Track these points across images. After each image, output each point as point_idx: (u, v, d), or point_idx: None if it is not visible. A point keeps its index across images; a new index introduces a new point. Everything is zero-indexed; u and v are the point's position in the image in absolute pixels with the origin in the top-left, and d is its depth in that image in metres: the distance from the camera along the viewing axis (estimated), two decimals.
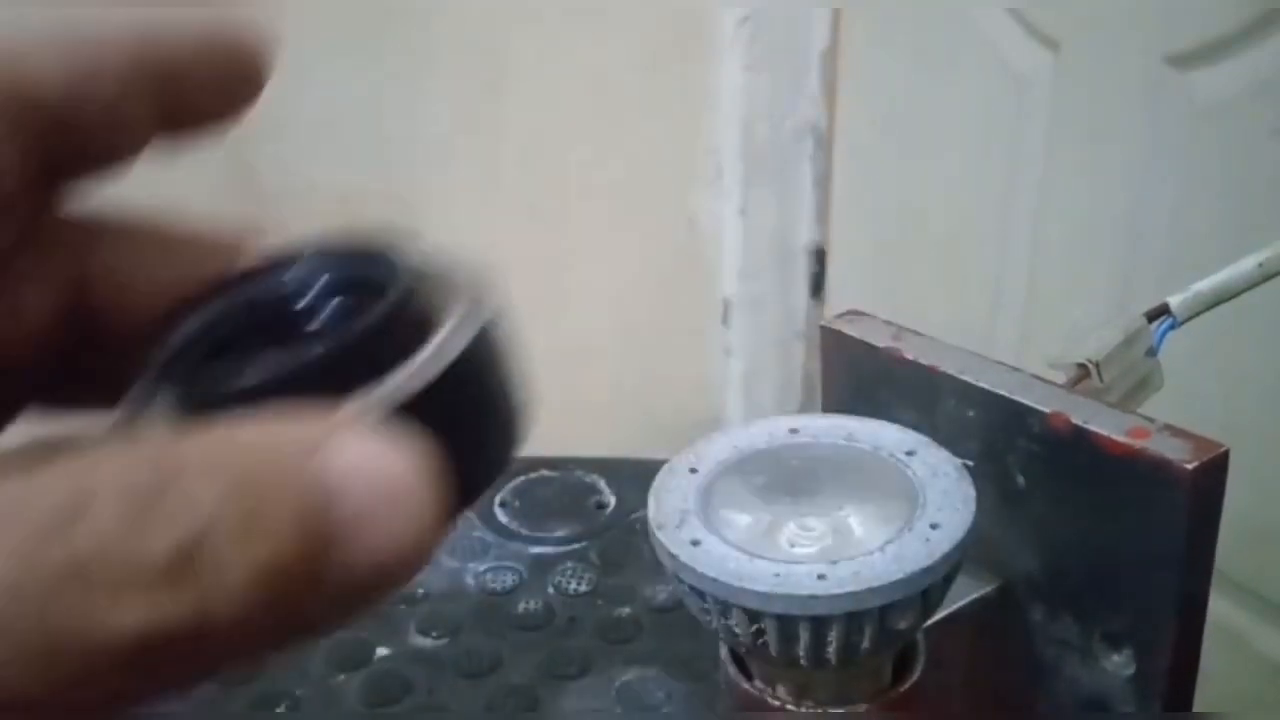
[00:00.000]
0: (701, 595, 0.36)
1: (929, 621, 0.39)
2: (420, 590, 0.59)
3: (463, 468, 0.20)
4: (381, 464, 0.18)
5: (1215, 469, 0.38)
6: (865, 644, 0.36)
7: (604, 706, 0.52)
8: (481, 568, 0.61)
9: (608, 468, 0.66)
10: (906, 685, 0.39)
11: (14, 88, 0.19)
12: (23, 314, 0.22)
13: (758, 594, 0.35)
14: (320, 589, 0.17)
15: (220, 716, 0.55)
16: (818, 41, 1.29)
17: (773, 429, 0.42)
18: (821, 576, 0.35)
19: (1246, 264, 0.48)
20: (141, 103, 0.21)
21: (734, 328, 1.41)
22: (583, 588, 0.59)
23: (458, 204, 1.30)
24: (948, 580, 0.37)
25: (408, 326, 0.21)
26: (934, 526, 0.36)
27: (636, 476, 0.63)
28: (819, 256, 1.39)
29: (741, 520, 0.38)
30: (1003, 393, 0.42)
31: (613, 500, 0.65)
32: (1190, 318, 0.48)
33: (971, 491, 0.38)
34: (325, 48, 1.18)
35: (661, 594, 0.56)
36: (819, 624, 0.36)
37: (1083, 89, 0.96)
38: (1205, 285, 0.48)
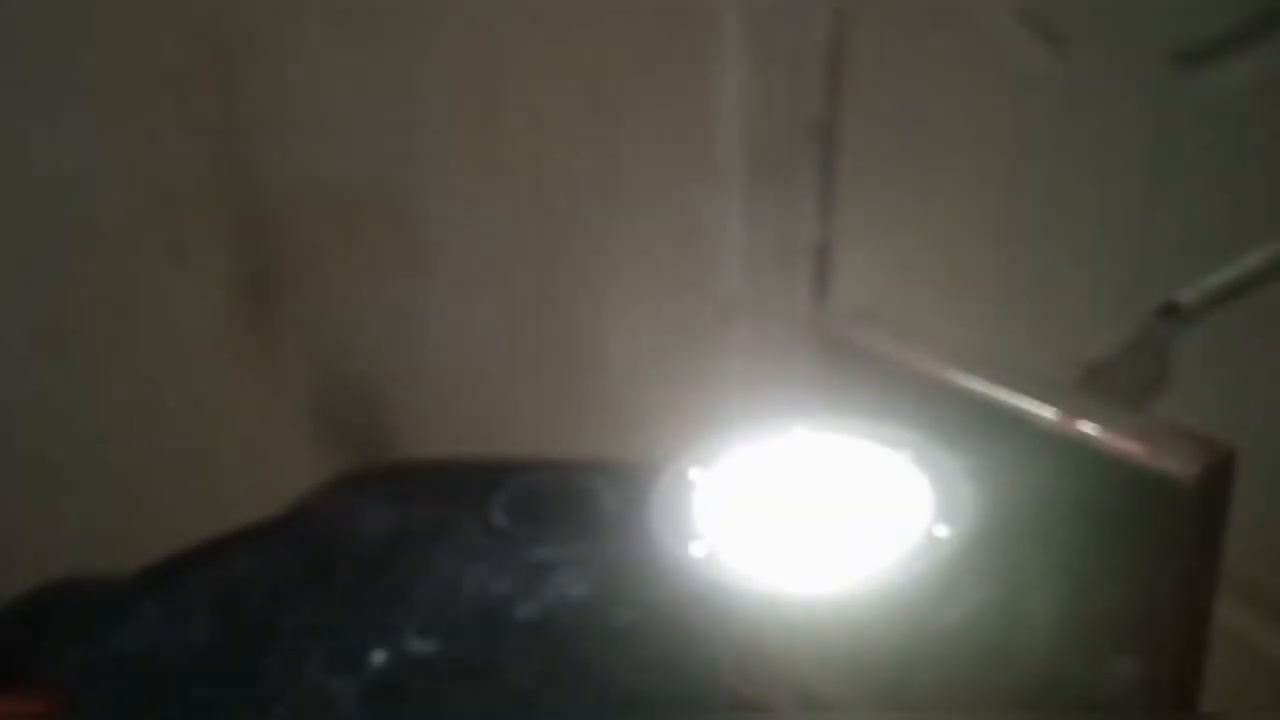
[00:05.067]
0: (702, 599, 0.36)
1: (933, 623, 0.39)
2: (416, 594, 0.59)
3: None
4: None
5: (1220, 472, 0.38)
6: (869, 646, 0.36)
7: (603, 711, 0.52)
8: (479, 571, 0.61)
9: (608, 470, 0.66)
10: (911, 688, 0.39)
11: None
12: None
13: (759, 597, 0.35)
14: None
15: None
16: (820, 39, 1.29)
17: (775, 431, 0.42)
18: (823, 578, 0.35)
19: (1256, 260, 0.48)
20: None
21: (735, 327, 1.41)
22: (582, 591, 0.59)
23: (458, 203, 1.30)
24: (951, 582, 0.37)
25: None
26: (937, 527, 0.36)
27: (637, 478, 0.63)
28: (822, 255, 1.39)
29: (742, 523, 0.38)
30: (1007, 394, 0.42)
31: (613, 503, 0.65)
32: (1199, 315, 0.48)
33: (976, 493, 0.38)
34: (325, 46, 1.17)
35: (662, 598, 0.56)
36: (822, 627, 0.36)
37: (1088, 86, 0.95)
38: (1214, 282, 0.48)
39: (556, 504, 0.64)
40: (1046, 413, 0.41)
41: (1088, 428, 0.40)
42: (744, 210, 1.35)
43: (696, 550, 0.36)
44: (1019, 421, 0.42)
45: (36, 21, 1.07)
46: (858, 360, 0.47)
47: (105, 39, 1.10)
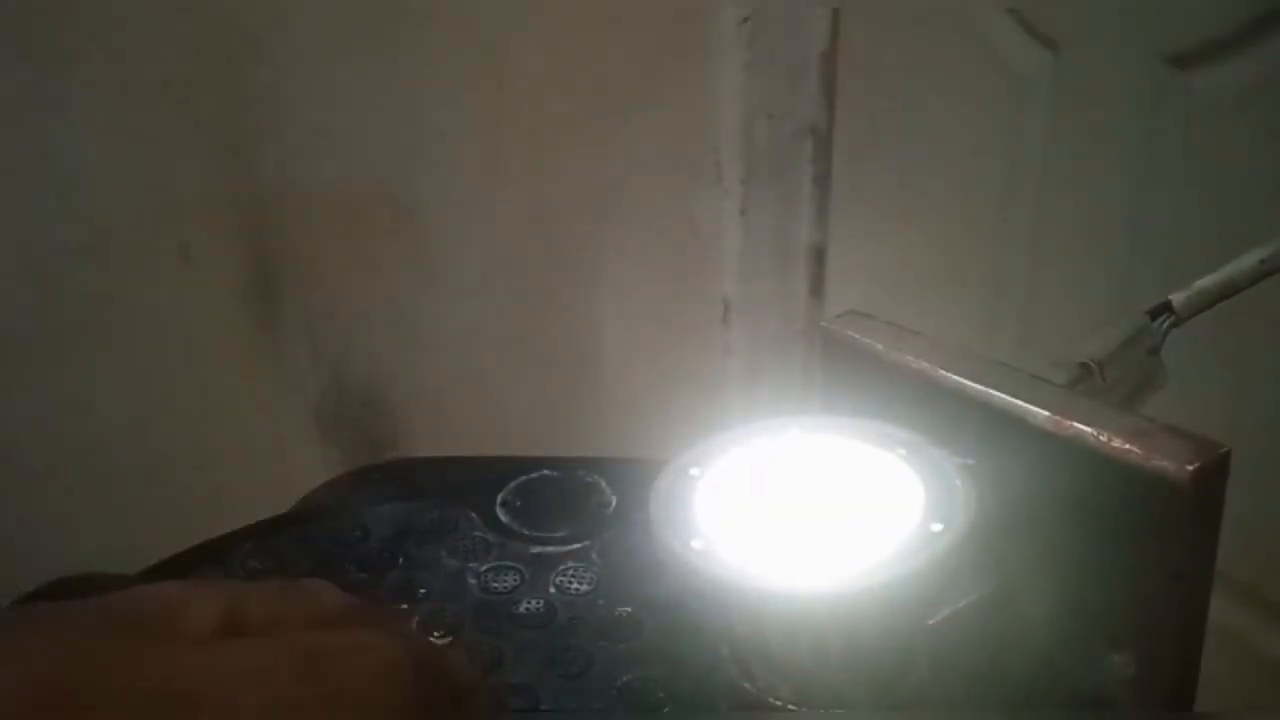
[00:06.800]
0: (703, 595, 0.36)
1: (931, 621, 0.39)
2: (421, 590, 0.59)
3: None
4: None
5: (1215, 470, 0.38)
6: (866, 644, 0.36)
7: (605, 706, 0.52)
8: (483, 567, 0.61)
9: (609, 468, 0.66)
10: (908, 685, 0.39)
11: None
12: None
13: (759, 594, 0.35)
14: None
15: None
16: (817, 42, 1.29)
17: (773, 430, 0.42)
18: (822, 576, 0.35)
19: (1249, 260, 0.48)
20: None
21: (734, 327, 1.41)
22: (584, 587, 0.59)
23: (458, 204, 1.30)
24: (949, 580, 0.36)
25: None
26: (935, 526, 0.36)
27: (637, 476, 0.63)
28: (819, 256, 1.39)
29: (742, 521, 0.38)
30: (1003, 393, 0.42)
31: (614, 500, 0.64)
32: (1193, 315, 0.48)
33: (972, 491, 0.37)
34: (330, 53, 1.17)
35: (663, 594, 0.56)
36: (820, 624, 0.36)
37: (1082, 89, 0.95)
38: (1208, 282, 0.48)
39: (559, 501, 0.64)
40: (1041, 412, 0.41)
41: (1082, 427, 0.40)
42: (741, 213, 1.35)
43: (696, 547, 0.36)
44: (1014, 421, 0.42)
45: (51, 30, 1.07)
46: (854, 360, 0.47)
47: (116, 47, 1.10)
